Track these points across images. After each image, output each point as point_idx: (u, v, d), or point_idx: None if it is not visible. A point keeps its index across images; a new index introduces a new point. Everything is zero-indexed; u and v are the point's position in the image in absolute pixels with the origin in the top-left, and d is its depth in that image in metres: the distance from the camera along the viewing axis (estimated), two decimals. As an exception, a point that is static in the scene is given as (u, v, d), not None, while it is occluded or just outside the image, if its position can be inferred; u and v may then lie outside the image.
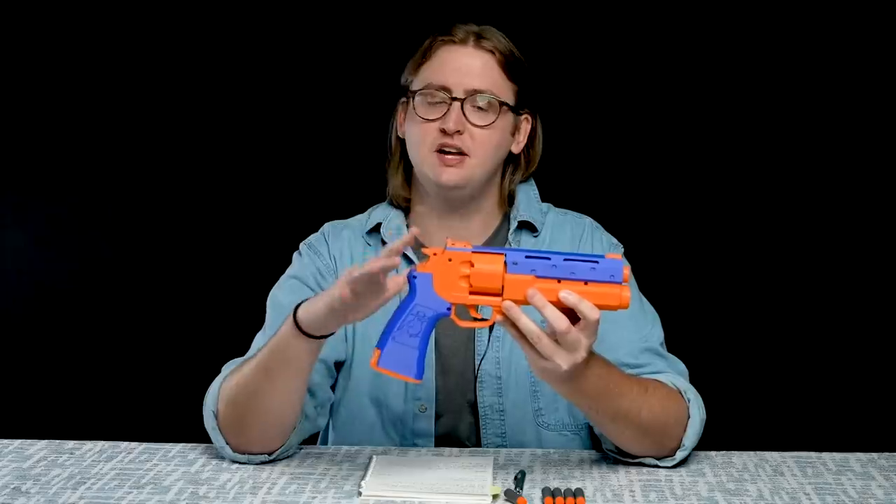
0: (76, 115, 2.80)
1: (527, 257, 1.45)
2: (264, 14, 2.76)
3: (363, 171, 1.95)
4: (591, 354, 1.49)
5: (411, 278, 1.46)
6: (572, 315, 1.43)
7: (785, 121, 2.73)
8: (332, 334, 1.54)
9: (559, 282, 1.44)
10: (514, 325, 1.44)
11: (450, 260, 1.46)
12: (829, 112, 2.72)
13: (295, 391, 1.61)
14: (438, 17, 1.84)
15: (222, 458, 1.66)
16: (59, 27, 2.77)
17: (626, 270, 1.44)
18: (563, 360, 1.44)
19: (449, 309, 1.47)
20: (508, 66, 1.77)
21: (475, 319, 1.49)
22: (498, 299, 1.45)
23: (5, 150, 2.81)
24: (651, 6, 2.71)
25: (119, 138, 2.81)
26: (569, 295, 1.42)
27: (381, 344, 1.46)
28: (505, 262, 1.45)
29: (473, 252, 1.46)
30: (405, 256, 1.79)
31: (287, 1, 2.76)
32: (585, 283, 1.44)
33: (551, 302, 1.43)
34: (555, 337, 1.43)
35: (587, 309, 1.42)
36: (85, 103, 2.79)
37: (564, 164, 1.88)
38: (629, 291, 1.44)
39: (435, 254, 1.47)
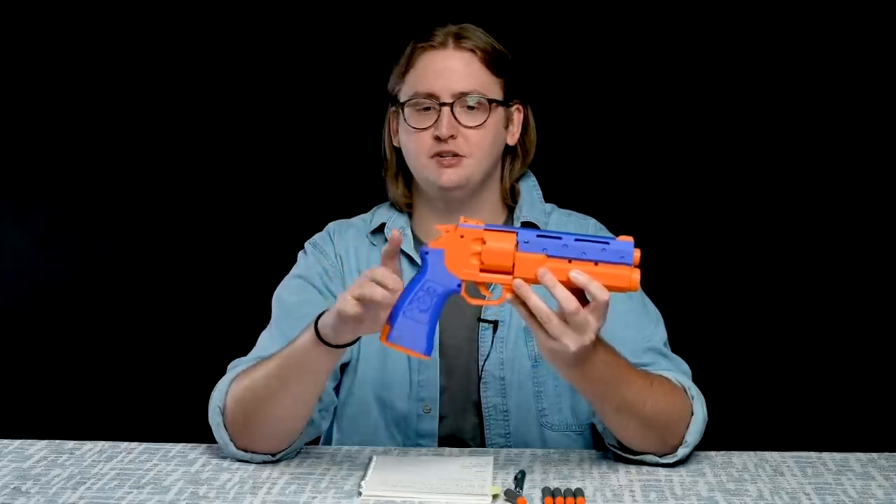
0: (76, 115, 2.79)
1: (538, 236, 1.45)
2: (266, 12, 2.76)
3: (365, 170, 1.95)
4: (599, 341, 1.49)
5: (423, 254, 1.47)
6: (581, 296, 1.44)
7: (787, 121, 2.72)
8: (352, 343, 1.54)
9: (570, 262, 1.44)
10: (523, 304, 1.44)
11: (462, 237, 1.46)
12: (830, 112, 2.71)
13: (307, 399, 1.61)
14: (447, 17, 1.83)
15: (222, 458, 1.66)
16: (59, 27, 2.77)
17: (637, 253, 1.44)
18: (572, 342, 1.44)
19: (459, 286, 1.47)
20: (491, 61, 1.76)
21: (485, 297, 1.49)
22: (508, 277, 1.45)
23: (6, 150, 2.81)
24: (654, 5, 2.71)
25: (119, 138, 2.80)
26: (579, 275, 1.42)
27: (391, 319, 1.46)
28: (516, 241, 1.45)
29: (485, 230, 1.46)
30: (406, 256, 1.80)
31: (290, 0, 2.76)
32: (596, 264, 1.44)
33: (561, 282, 1.43)
34: (564, 317, 1.43)
35: (596, 290, 1.42)
36: (85, 103, 2.79)
37: (568, 165, 1.88)
38: (639, 274, 1.44)
39: (447, 230, 1.47)
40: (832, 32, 2.69)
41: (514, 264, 1.45)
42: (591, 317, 1.43)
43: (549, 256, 1.44)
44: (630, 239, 1.45)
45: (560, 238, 1.44)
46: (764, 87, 2.72)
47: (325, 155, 2.76)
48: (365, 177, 1.98)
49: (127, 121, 2.80)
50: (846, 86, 2.70)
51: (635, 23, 2.72)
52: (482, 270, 1.46)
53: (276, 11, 2.76)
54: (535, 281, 1.44)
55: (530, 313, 1.44)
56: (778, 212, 2.75)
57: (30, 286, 2.86)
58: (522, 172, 1.86)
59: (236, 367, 1.69)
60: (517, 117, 1.82)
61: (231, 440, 1.63)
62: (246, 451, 1.63)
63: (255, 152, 2.80)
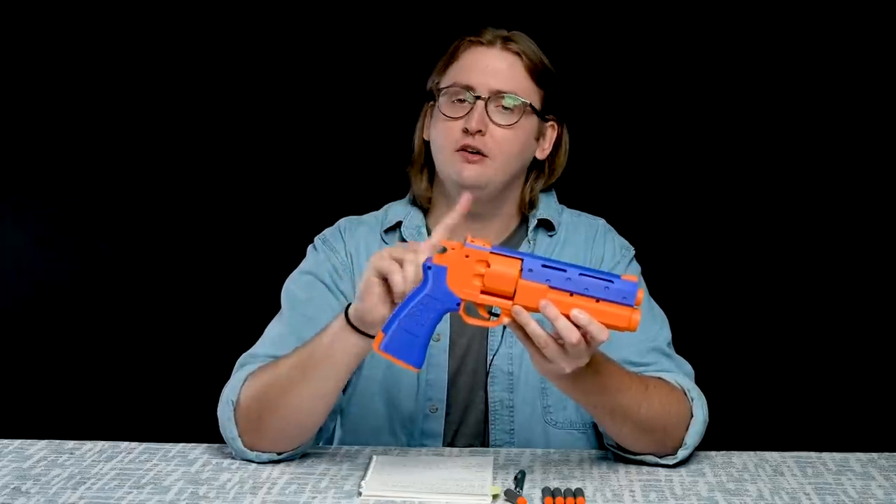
0: (76, 115, 2.80)
1: (543, 266, 1.44)
2: (270, 9, 2.76)
3: (368, 168, 1.94)
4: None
5: (425, 268, 1.46)
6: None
7: (791, 128, 2.73)
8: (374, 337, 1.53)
9: (571, 295, 1.43)
10: (520, 329, 1.45)
11: (467, 256, 1.46)
12: (830, 117, 2.72)
13: (329, 392, 1.60)
14: (459, 20, 1.83)
15: (222, 457, 1.66)
16: (59, 27, 2.77)
17: (640, 294, 1.43)
18: (568, 365, 1.46)
19: (458, 304, 1.46)
20: (535, 70, 1.77)
21: (483, 318, 1.49)
22: (508, 302, 1.44)
23: (6, 150, 2.81)
24: (663, 15, 2.71)
25: (119, 138, 2.80)
26: (580, 314, 1.42)
27: (386, 328, 1.46)
28: (521, 268, 1.44)
29: (491, 252, 1.45)
30: None
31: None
32: (597, 301, 1.43)
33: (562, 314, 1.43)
34: (561, 342, 1.43)
35: (596, 331, 1.42)
36: (85, 103, 2.79)
37: (577, 166, 1.88)
38: (639, 315, 1.44)
39: (453, 248, 1.46)
40: (832, 35, 2.69)
41: (515, 291, 1.44)
42: (588, 348, 1.45)
43: (551, 287, 1.44)
44: (634, 279, 1.44)
45: (565, 271, 1.44)
46: (766, 98, 2.73)
47: (327, 153, 2.76)
48: (371, 172, 1.98)
49: (127, 121, 2.80)
50: (846, 91, 2.70)
51: (639, 29, 2.72)
52: (483, 292, 1.46)
53: (282, 8, 2.75)
54: (534, 309, 1.44)
55: (527, 337, 1.45)
56: (778, 215, 2.76)
57: (30, 286, 2.86)
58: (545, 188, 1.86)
59: (249, 362, 1.69)
60: (550, 133, 1.82)
61: (239, 435, 1.63)
62: (252, 449, 1.63)
63: (254, 151, 2.80)
